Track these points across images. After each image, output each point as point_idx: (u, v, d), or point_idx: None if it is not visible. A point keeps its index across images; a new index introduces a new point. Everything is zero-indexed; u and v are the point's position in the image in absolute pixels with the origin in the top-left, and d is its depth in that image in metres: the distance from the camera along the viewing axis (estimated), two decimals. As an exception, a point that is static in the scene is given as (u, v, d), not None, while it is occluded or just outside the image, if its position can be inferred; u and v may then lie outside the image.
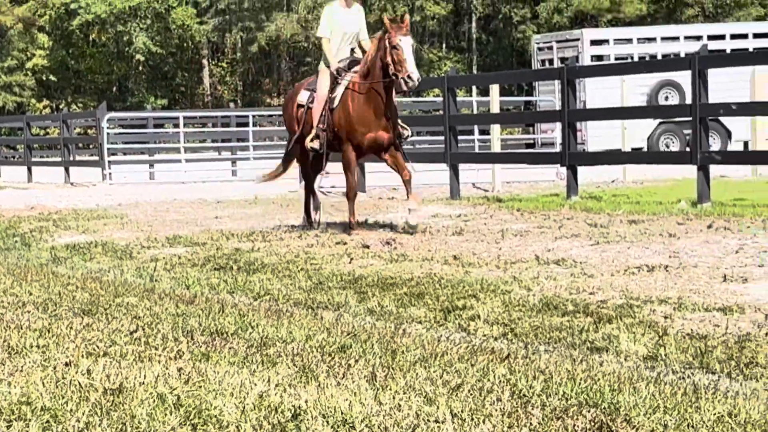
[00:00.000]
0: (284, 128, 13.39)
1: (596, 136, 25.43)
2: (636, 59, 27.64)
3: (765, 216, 10.88)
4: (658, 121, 25.60)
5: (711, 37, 27.77)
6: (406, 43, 9.14)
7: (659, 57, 27.16)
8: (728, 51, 26.51)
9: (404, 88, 9.32)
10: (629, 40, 30.17)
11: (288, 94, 12.25)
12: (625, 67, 22.37)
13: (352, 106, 9.55)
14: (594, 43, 29.19)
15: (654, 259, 7.85)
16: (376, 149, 9.95)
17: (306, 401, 3.16)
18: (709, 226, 10.10)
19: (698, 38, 27.72)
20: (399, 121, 10.23)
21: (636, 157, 20.75)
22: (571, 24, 47.71)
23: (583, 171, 15.62)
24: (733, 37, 29.31)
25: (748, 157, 17.78)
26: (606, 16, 49.60)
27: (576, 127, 18.00)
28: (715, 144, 23.65)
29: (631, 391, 3.48)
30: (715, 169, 14.18)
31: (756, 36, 29.17)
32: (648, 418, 3.04)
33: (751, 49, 26.11)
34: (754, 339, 4.67)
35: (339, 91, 9.76)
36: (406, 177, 9.89)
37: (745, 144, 23.53)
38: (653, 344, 4.67)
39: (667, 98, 26.02)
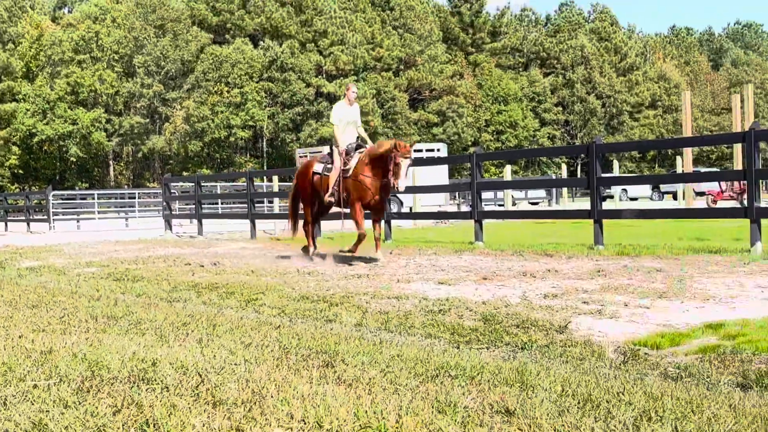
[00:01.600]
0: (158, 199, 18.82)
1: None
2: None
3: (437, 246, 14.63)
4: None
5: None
6: (404, 165, 11.85)
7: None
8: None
9: (394, 190, 12.42)
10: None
11: (302, 167, 14.20)
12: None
13: (362, 177, 12.32)
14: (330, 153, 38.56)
15: (362, 271, 11.32)
16: (371, 208, 12.73)
17: (161, 355, 4.94)
18: (391, 252, 14.11)
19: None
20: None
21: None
22: (318, 142, 64.45)
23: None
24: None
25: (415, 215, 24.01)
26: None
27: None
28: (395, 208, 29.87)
29: (346, 344, 5.70)
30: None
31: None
32: (354, 358, 4.99)
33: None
34: (413, 314, 7.34)
35: (351, 164, 12.45)
36: (378, 237, 12.87)
37: (410, 208, 30.70)
38: (360, 317, 7.32)
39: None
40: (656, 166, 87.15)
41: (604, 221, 13.80)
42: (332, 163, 12.77)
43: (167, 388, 4.17)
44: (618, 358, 5.35)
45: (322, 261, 13.02)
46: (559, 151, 74.08)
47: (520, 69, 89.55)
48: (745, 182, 12.06)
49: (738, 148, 24.72)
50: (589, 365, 5.12)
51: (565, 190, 50.86)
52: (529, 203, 49.18)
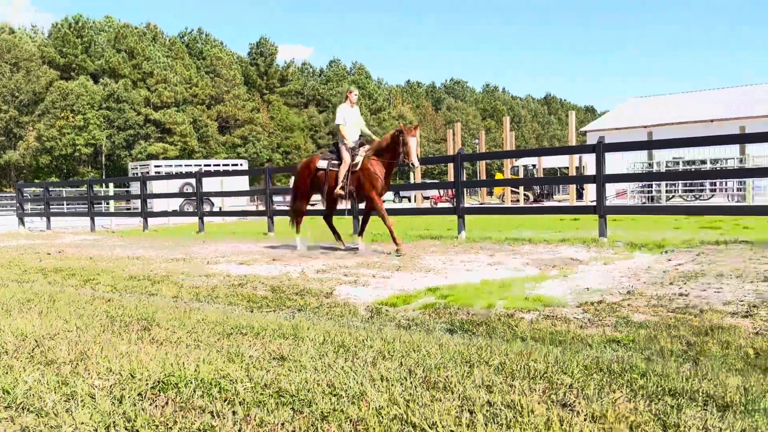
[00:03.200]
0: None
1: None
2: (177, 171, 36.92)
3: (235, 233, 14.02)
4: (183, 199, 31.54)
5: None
6: (413, 143, 9.98)
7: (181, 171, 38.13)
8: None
9: (411, 167, 10.14)
10: (170, 165, 41.51)
11: (303, 164, 11.60)
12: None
13: (371, 169, 10.31)
14: (156, 165, 39.51)
15: (175, 255, 10.63)
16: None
17: (4, 325, 4.76)
18: (204, 242, 12.94)
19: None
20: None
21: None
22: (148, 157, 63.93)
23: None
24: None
25: (223, 213, 21.58)
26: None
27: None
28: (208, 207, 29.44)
29: (162, 312, 5.56)
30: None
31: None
32: (167, 323, 4.99)
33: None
34: (218, 287, 7.17)
35: (358, 160, 10.50)
36: (365, 229, 11.06)
37: (220, 208, 32.03)
38: (176, 291, 7.03)
39: (187, 189, 32.75)
40: (397, 177, 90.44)
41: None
42: (337, 158, 10.75)
43: (6, 352, 3.85)
44: (367, 314, 5.48)
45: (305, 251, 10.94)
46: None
47: (302, 107, 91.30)
48: (455, 189, 12.70)
49: (450, 166, 26.46)
50: (346, 320, 5.22)
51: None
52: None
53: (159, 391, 3.26)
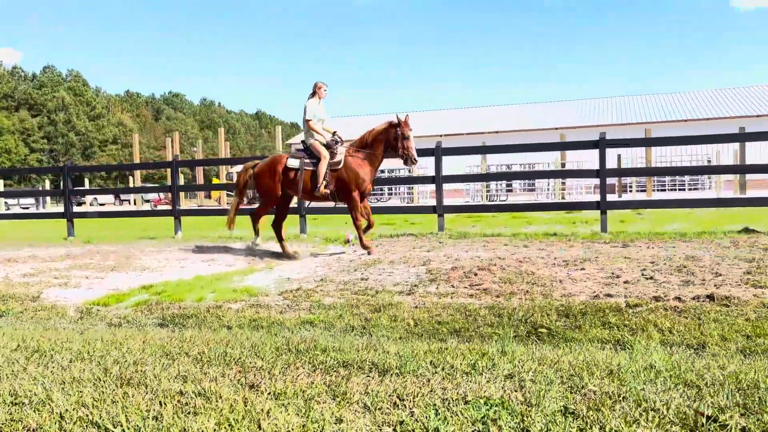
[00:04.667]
0: None
1: None
2: None
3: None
4: None
5: None
6: (411, 136, 8.09)
7: None
8: None
9: (411, 164, 8.13)
10: None
11: (264, 166, 8.70)
12: None
13: (356, 167, 8.24)
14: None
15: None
16: (362, 196, 8.42)
17: None
18: None
19: None
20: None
21: None
22: None
23: None
24: None
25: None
26: None
27: None
28: None
29: None
30: None
31: None
32: None
33: None
34: None
35: (340, 157, 8.32)
36: (372, 222, 8.57)
37: None
38: None
39: None
40: (118, 182, 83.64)
41: (76, 221, 12.63)
42: (310, 157, 8.55)
43: None
44: (77, 315, 4.90)
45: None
46: (41, 170, 66.70)
47: (13, 110, 78.85)
48: (170, 193, 12.06)
49: (169, 171, 25.06)
50: (53, 323, 4.59)
51: (49, 198, 46.11)
52: (21, 208, 43.19)
53: None
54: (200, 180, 38.13)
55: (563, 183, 28.72)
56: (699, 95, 44.73)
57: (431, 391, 2.55)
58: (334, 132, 8.63)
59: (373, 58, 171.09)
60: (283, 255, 8.23)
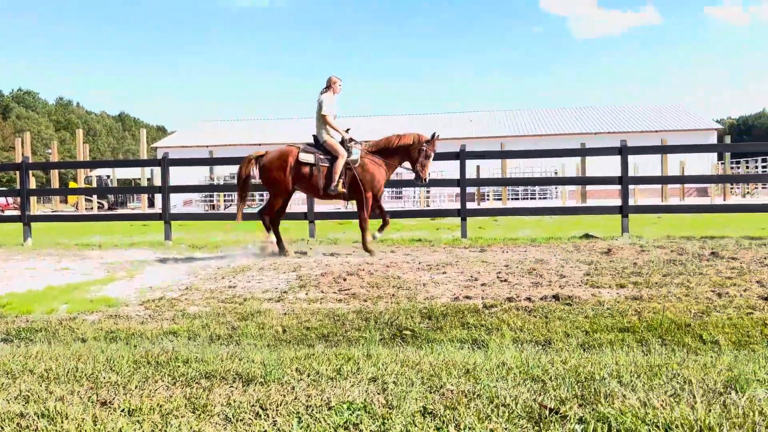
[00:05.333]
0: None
1: None
2: None
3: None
4: None
5: None
6: (432, 157, 8.01)
7: None
8: None
9: (421, 184, 8.11)
10: None
11: (274, 159, 7.97)
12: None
13: (372, 168, 7.98)
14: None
15: None
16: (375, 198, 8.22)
17: None
18: None
19: None
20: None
21: None
22: None
23: None
24: None
25: None
26: None
27: None
28: None
29: None
30: None
31: None
32: None
33: None
34: None
35: (355, 156, 7.96)
36: (387, 220, 8.37)
37: None
38: None
39: None
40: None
41: None
42: (324, 153, 7.96)
43: None
44: None
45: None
46: None
47: None
48: (20, 198, 10.97)
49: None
50: None
51: None
52: None
53: None
54: (55, 184, 35.12)
55: (428, 192, 29.76)
56: (548, 113, 48.41)
57: (295, 398, 2.50)
58: (347, 129, 8.15)
59: (249, 60, 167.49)
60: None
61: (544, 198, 35.33)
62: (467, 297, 4.95)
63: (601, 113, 46.61)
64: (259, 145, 39.26)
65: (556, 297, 4.79)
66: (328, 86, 8.14)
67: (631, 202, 20.26)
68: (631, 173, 30.16)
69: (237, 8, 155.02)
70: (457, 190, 31.10)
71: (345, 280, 5.84)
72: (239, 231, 10.71)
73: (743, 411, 2.22)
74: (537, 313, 4.34)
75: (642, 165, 31.12)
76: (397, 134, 8.21)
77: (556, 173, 35.51)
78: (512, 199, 34.63)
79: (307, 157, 7.93)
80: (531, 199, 34.94)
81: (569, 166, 35.64)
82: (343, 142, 8.00)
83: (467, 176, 9.94)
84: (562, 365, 2.90)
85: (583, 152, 10.48)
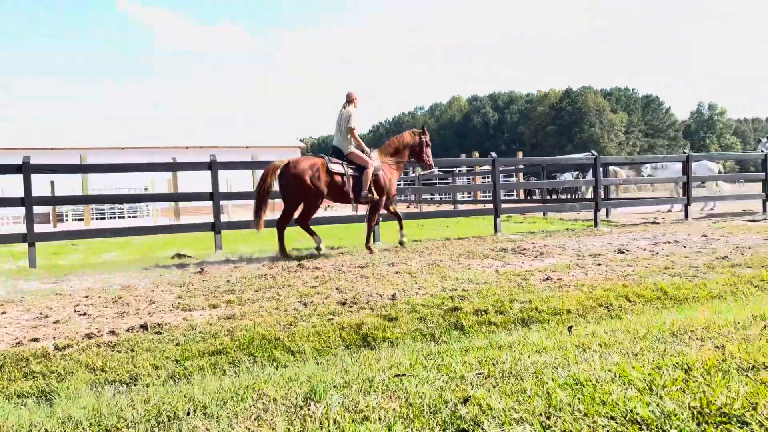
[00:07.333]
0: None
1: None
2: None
3: None
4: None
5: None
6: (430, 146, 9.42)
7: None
8: None
9: (428, 170, 9.31)
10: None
11: (306, 168, 8.44)
12: None
13: (389, 172, 9.10)
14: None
15: None
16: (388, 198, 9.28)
17: None
18: None
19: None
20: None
21: None
22: None
23: None
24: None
25: None
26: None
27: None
28: None
29: None
30: None
31: None
32: None
33: None
34: None
35: (376, 163, 8.94)
36: (401, 218, 9.68)
37: None
38: None
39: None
40: None
41: None
42: (350, 163, 8.76)
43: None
44: None
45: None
46: None
47: None
48: None
49: None
50: None
51: None
52: None
53: None
54: None
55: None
56: (136, 125, 46.90)
57: None
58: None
59: None
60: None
61: (134, 216, 34.02)
62: (34, 339, 4.30)
63: (194, 125, 47.46)
64: None
65: (144, 326, 4.55)
66: (351, 101, 8.89)
67: (225, 219, 21.03)
68: (224, 189, 31.31)
69: None
70: (23, 210, 27.52)
71: None
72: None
73: (320, 423, 2.41)
74: (122, 347, 4.03)
75: (236, 180, 32.70)
76: (396, 136, 9.39)
77: (146, 190, 34.59)
78: (98, 218, 32.36)
79: (338, 168, 8.74)
80: (120, 218, 33.25)
81: (161, 182, 35.13)
82: (363, 152, 8.94)
83: (36, 194, 8.78)
84: (143, 406, 2.71)
85: (174, 167, 10.38)
